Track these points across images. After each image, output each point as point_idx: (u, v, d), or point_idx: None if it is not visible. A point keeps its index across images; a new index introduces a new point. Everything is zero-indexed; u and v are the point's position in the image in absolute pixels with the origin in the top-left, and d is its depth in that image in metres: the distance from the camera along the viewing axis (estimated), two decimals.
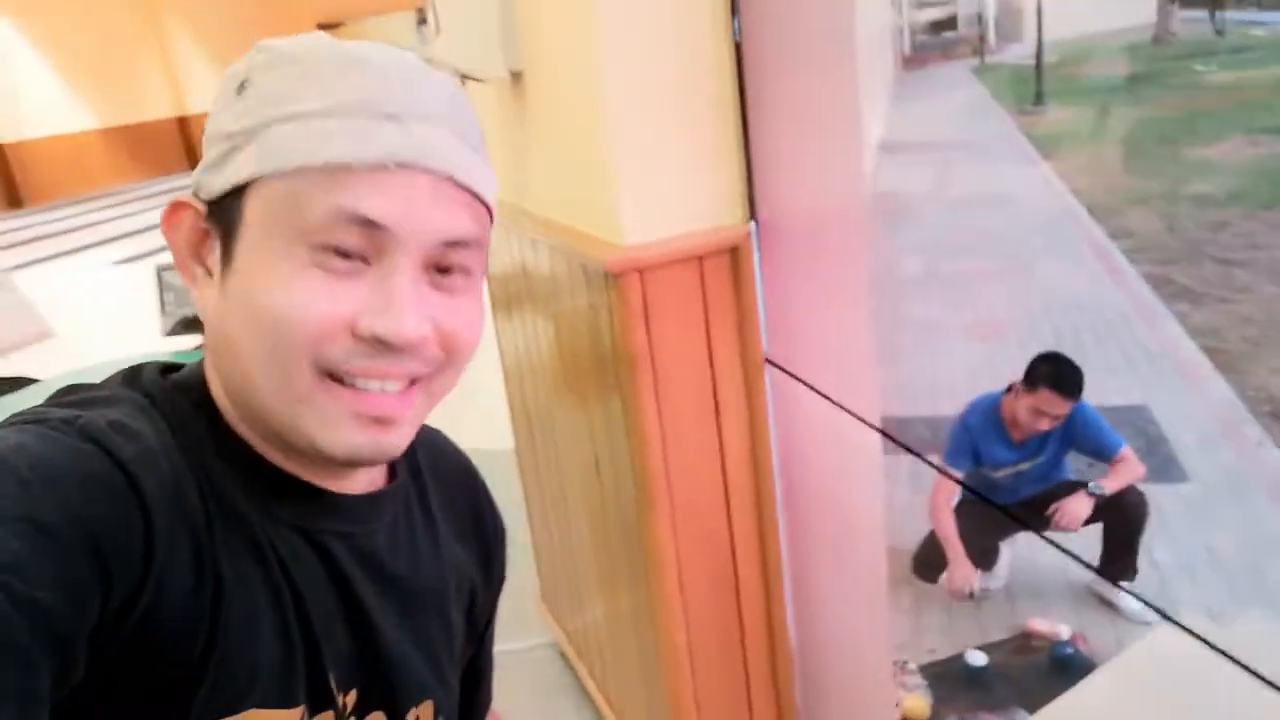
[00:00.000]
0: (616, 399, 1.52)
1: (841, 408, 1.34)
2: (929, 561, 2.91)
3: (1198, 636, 0.87)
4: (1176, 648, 0.90)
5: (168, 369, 0.64)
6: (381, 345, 0.56)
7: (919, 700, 2.53)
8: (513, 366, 2.31)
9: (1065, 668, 2.45)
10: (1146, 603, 1.00)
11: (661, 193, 1.41)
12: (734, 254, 1.44)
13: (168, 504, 0.53)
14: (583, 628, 2.24)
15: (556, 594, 2.44)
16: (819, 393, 1.39)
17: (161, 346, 3.19)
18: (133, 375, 0.62)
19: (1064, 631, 2.90)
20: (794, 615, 1.67)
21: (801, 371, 1.44)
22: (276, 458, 0.62)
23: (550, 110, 1.65)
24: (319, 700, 0.62)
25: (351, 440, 0.58)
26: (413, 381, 0.60)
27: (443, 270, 0.59)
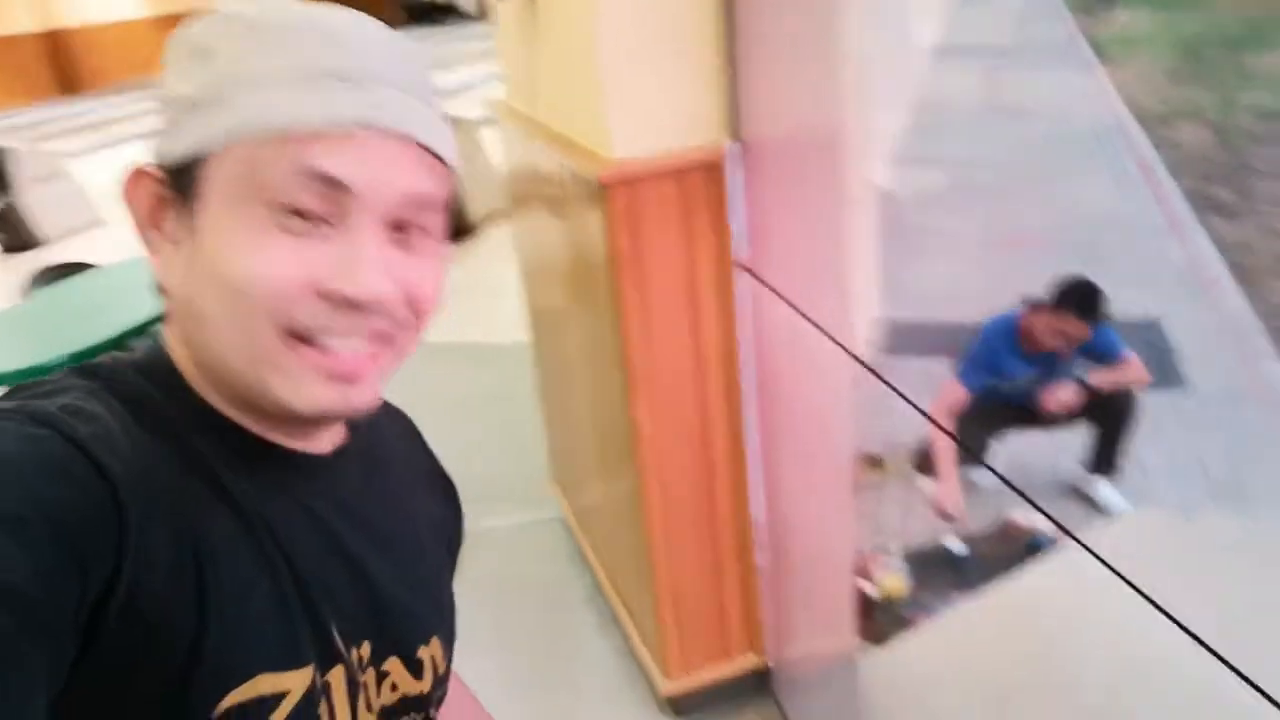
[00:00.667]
0: (606, 297, 1.70)
1: (805, 316, 1.50)
2: (929, 461, 3.07)
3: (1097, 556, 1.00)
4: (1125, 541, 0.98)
5: (119, 357, 0.63)
6: (347, 304, 0.56)
7: (898, 580, 2.76)
8: (527, 263, 2.49)
9: (1038, 558, 2.63)
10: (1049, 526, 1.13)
11: (649, 111, 1.56)
12: (714, 169, 1.59)
13: (133, 480, 0.52)
14: (585, 504, 2.48)
15: (564, 474, 2.68)
16: (787, 301, 1.55)
17: None
18: (87, 367, 0.60)
19: (1042, 524, 3.10)
20: (764, 493, 1.87)
21: (778, 281, 1.59)
22: (248, 422, 0.62)
23: (556, 29, 1.78)
24: (327, 657, 0.62)
25: (320, 398, 0.58)
26: (380, 340, 0.60)
27: (402, 230, 0.59)
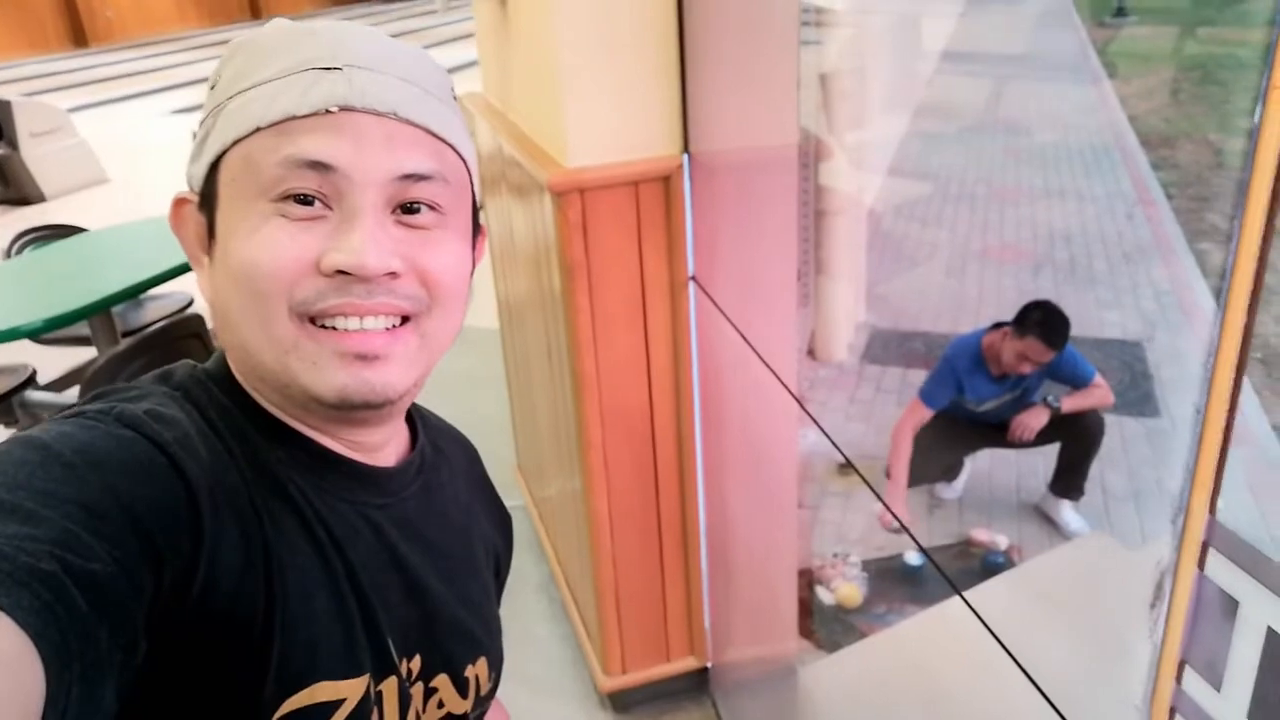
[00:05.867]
0: (559, 299, 1.73)
1: (741, 334, 1.53)
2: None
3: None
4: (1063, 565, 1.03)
5: (197, 365, 0.65)
6: (348, 279, 0.56)
7: (854, 589, 2.79)
8: (496, 250, 2.52)
9: (992, 574, 2.67)
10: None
11: (604, 122, 1.58)
12: (666, 182, 1.62)
13: (209, 484, 0.54)
14: (543, 494, 2.52)
15: (527, 462, 2.72)
16: (726, 317, 1.58)
17: None
18: (165, 374, 0.63)
19: (1002, 542, 3.17)
20: (706, 500, 1.91)
21: (720, 293, 1.62)
22: (311, 431, 0.63)
23: (523, 35, 1.80)
24: (382, 667, 0.63)
25: (337, 380, 0.58)
26: (404, 321, 0.60)
27: (410, 210, 0.59)
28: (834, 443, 1.34)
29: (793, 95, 1.38)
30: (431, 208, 0.60)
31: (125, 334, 2.91)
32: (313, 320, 0.57)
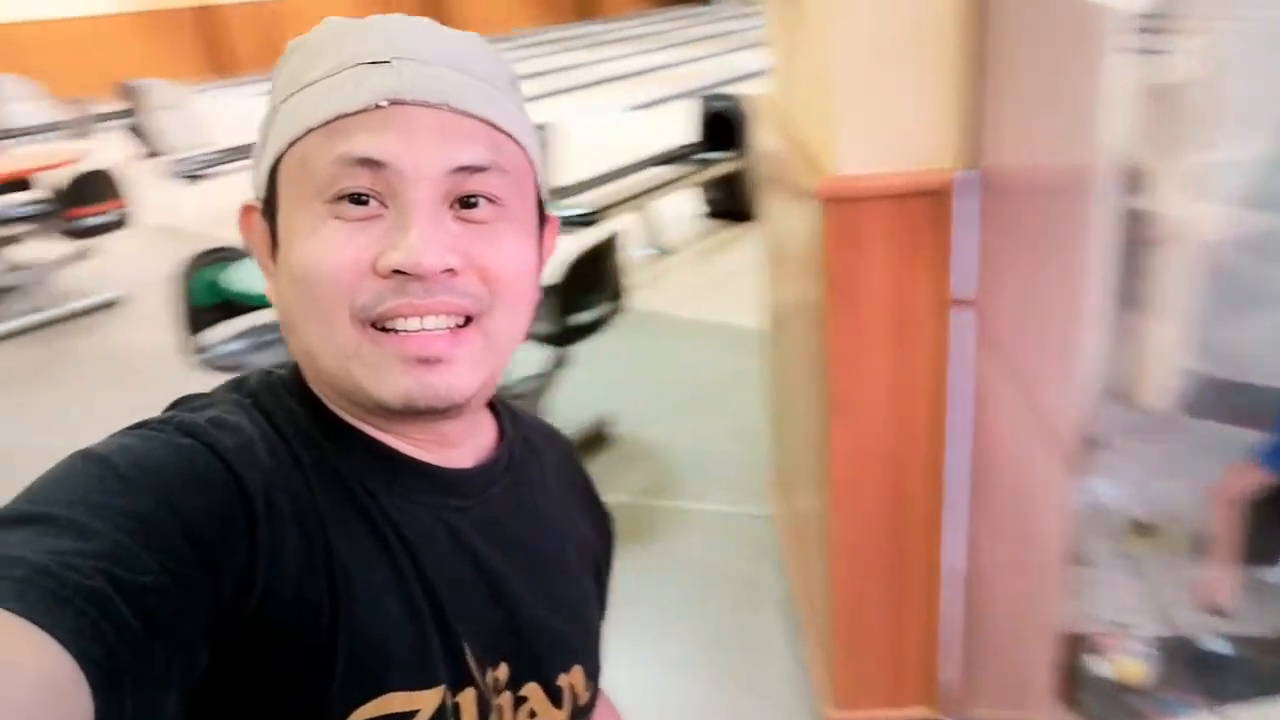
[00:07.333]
0: (818, 311, 1.66)
1: (1016, 370, 1.37)
2: (1204, 543, 2.69)
3: None
4: None
5: (271, 372, 0.65)
6: (405, 279, 0.55)
7: (1137, 666, 2.46)
8: (768, 250, 2.48)
9: None
10: None
11: (879, 130, 1.49)
12: (938, 197, 1.49)
13: (270, 491, 0.54)
14: (791, 508, 2.46)
15: (781, 472, 2.66)
16: (1001, 350, 1.43)
17: None
18: (239, 382, 0.63)
19: None
20: (965, 545, 1.75)
21: (994, 321, 1.47)
22: (383, 435, 0.62)
23: (806, 35, 1.74)
24: (458, 678, 0.61)
25: (401, 385, 0.57)
26: (467, 321, 0.58)
27: (468, 204, 0.58)
28: (1119, 500, 1.17)
29: (1109, 110, 1.21)
30: (490, 200, 0.58)
31: None
32: (374, 324, 0.56)
